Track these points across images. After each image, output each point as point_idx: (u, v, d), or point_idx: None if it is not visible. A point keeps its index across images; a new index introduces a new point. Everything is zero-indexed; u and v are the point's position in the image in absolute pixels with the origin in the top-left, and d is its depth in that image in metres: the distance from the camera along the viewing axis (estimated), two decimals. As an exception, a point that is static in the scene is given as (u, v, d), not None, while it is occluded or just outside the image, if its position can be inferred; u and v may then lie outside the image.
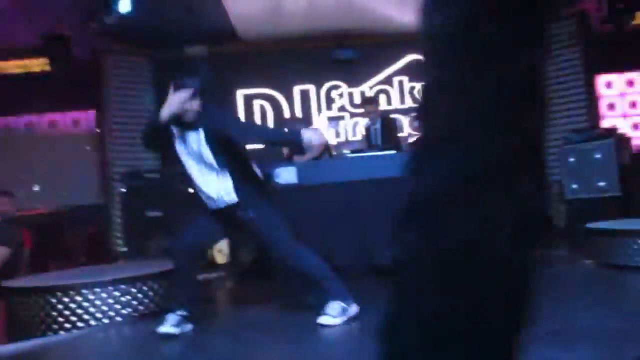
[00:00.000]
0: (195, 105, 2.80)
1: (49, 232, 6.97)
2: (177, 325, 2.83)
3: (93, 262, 5.73)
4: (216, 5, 6.72)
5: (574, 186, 6.03)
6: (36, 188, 8.12)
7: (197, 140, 2.82)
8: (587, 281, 3.88)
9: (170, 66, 7.82)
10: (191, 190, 3.09)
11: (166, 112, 2.70)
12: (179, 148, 2.86)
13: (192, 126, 2.83)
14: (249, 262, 4.97)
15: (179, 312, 2.84)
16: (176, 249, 2.93)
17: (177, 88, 2.75)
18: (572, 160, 6.07)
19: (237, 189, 2.81)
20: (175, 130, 2.83)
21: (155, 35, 7.21)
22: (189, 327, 2.90)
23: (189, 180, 2.93)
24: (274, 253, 2.96)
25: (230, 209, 2.85)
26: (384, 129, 5.50)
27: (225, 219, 2.92)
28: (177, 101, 2.70)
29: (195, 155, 2.83)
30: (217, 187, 2.81)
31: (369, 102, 5.77)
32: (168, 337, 2.77)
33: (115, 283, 3.25)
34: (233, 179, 2.82)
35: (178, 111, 2.71)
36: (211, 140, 2.80)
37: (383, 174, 4.57)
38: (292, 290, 3.94)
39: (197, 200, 2.96)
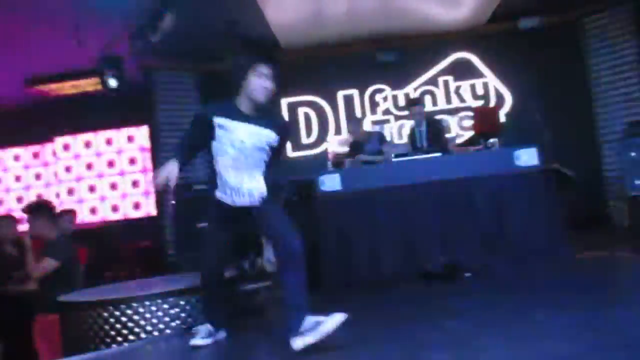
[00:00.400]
0: (271, 88, 2.75)
1: (105, 244, 7.25)
2: (208, 336, 2.86)
3: (147, 273, 5.88)
4: (257, 15, 6.79)
5: (637, 182, 5.68)
6: (95, 201, 8.46)
7: (252, 133, 2.73)
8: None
9: (216, 79, 7.99)
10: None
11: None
12: (222, 137, 2.72)
13: (257, 115, 2.76)
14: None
15: (209, 326, 2.89)
16: (201, 270, 2.95)
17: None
18: (633, 154, 5.73)
19: (267, 190, 2.79)
20: (223, 120, 2.73)
21: (199, 50, 7.37)
22: (221, 334, 2.93)
23: (214, 173, 2.81)
24: (281, 245, 2.72)
25: (247, 208, 2.79)
26: (430, 131, 5.36)
27: (234, 219, 2.86)
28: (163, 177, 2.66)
29: (240, 148, 2.71)
30: (250, 184, 2.76)
31: (413, 104, 5.64)
32: (199, 347, 2.81)
33: (164, 296, 3.30)
34: (265, 180, 2.80)
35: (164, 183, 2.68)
36: (267, 142, 2.78)
37: (429, 176, 4.47)
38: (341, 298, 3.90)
39: (211, 199, 2.85)
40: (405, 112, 7.44)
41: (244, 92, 2.75)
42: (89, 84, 7.39)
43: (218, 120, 2.73)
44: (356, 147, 5.65)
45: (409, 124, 6.55)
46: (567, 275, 4.03)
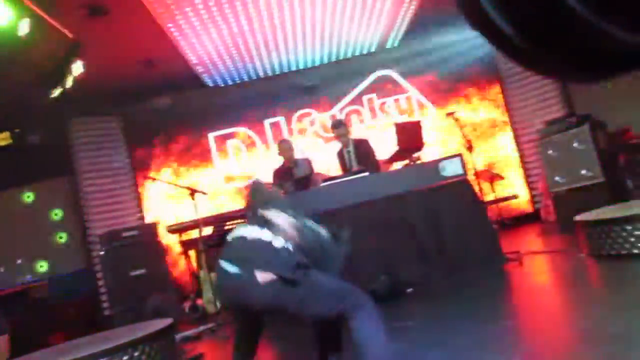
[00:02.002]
0: None
1: (40, 306, 6.78)
2: None
3: (89, 328, 5.54)
4: (176, 55, 6.69)
5: (557, 178, 5.96)
6: (19, 261, 7.91)
7: None
8: (581, 275, 3.77)
9: (137, 120, 7.79)
10: None
11: None
12: None
13: None
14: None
15: None
16: None
17: None
18: (551, 152, 6.01)
19: None
20: None
21: (116, 93, 7.15)
22: None
23: None
24: None
25: None
26: (357, 152, 5.39)
27: None
28: None
29: None
30: None
31: (336, 126, 5.62)
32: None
33: (104, 354, 3.10)
34: None
35: None
36: None
37: (361, 197, 4.48)
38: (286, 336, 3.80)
39: None
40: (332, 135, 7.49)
41: None
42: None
43: None
44: (284, 174, 5.53)
45: (337, 146, 6.58)
46: (499, 281, 4.14)
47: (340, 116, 8.05)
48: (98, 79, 5.90)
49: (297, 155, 5.83)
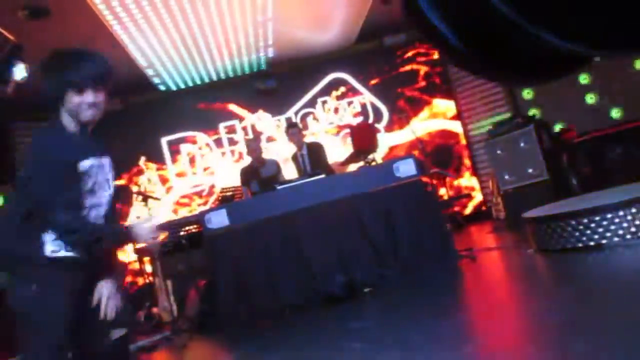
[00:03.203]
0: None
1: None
2: None
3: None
4: (125, 58, 6.52)
5: (506, 177, 6.16)
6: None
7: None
8: (530, 270, 3.91)
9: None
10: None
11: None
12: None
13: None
14: (195, 316, 4.73)
15: None
16: None
17: None
18: (499, 152, 6.21)
19: None
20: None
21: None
22: None
23: None
24: None
25: None
26: (310, 154, 5.41)
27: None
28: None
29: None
30: None
31: (290, 127, 5.64)
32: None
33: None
34: None
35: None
36: None
37: (316, 199, 4.49)
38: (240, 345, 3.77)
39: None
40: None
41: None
42: None
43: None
44: (251, 173, 5.49)
45: (291, 150, 6.58)
46: (453, 278, 4.24)
47: (295, 119, 8.05)
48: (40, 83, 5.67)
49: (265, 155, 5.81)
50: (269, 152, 7.63)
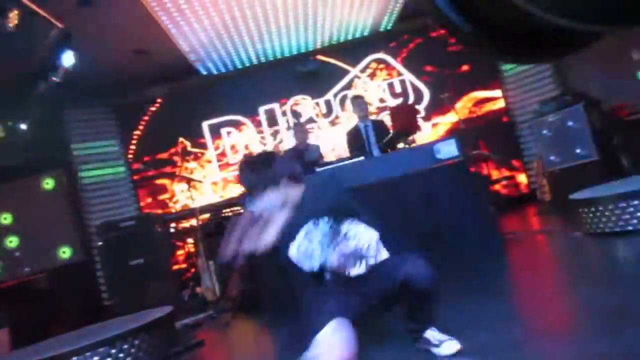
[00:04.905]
0: None
1: (40, 297, 6.79)
2: None
3: (89, 319, 5.56)
4: (167, 44, 6.63)
5: (552, 158, 5.97)
6: (18, 254, 7.88)
7: None
8: (577, 253, 3.79)
9: (131, 110, 7.76)
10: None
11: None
12: None
13: None
14: (238, 295, 4.84)
15: None
16: None
17: None
18: (545, 132, 6.01)
19: None
20: None
21: (109, 83, 7.10)
22: None
23: None
24: None
25: None
26: (376, 128, 5.40)
27: None
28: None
29: None
30: None
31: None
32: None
33: (105, 343, 3.15)
34: None
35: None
36: None
37: (354, 182, 4.47)
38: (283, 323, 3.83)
39: None
40: (327, 120, 7.56)
41: None
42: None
43: None
44: (296, 157, 5.57)
45: (346, 127, 6.54)
46: (497, 261, 4.16)
47: (334, 102, 8.02)
48: (90, 69, 5.84)
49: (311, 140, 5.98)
50: (313, 136, 7.68)
